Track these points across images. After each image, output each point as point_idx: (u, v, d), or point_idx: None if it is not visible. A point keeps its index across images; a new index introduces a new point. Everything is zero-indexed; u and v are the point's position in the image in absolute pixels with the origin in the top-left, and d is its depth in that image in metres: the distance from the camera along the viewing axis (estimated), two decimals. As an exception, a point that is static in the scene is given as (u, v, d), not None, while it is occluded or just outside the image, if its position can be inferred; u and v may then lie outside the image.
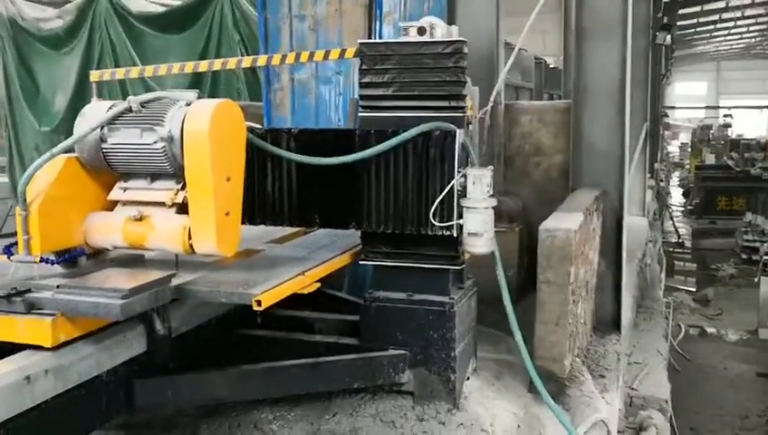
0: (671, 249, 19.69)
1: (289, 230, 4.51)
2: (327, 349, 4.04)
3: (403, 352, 3.91)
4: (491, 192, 3.64)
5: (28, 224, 3.36)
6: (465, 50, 3.76)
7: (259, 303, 3.20)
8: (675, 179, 33.82)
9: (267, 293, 3.26)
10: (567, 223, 4.53)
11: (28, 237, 3.36)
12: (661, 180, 19.36)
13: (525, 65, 11.99)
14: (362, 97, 3.91)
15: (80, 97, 8.40)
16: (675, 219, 23.56)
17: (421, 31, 3.77)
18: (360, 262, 4.02)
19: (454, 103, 3.75)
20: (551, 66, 15.68)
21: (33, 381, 2.88)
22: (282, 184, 3.91)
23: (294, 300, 3.75)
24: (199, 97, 3.56)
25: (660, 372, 6.73)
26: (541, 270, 4.46)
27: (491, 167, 3.68)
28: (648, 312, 8.68)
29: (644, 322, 8.24)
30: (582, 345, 5.34)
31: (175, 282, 3.39)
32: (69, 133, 8.35)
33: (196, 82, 7.70)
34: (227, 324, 4.24)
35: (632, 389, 6.28)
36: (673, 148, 42.03)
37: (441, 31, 3.81)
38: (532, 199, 6.29)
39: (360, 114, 3.93)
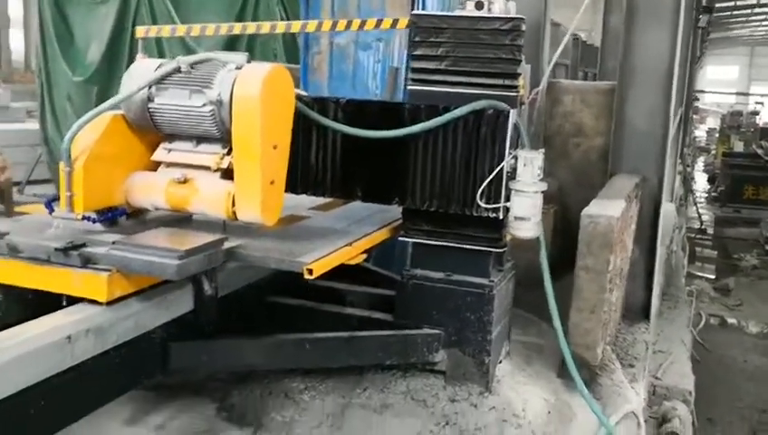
0: (692, 235, 19.48)
1: (320, 200, 4.45)
2: (360, 323, 4.00)
3: (438, 331, 3.86)
4: (541, 176, 3.55)
5: (71, 181, 3.32)
6: (523, 27, 3.65)
7: (310, 271, 3.19)
8: (700, 165, 33.38)
9: (318, 262, 3.24)
10: (610, 210, 4.44)
11: (71, 194, 3.32)
12: (687, 165, 19.09)
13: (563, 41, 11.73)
14: (413, 70, 3.81)
15: (114, 49, 8.34)
16: (698, 205, 23.28)
17: (479, 5, 3.66)
18: (400, 238, 3.96)
19: (508, 82, 3.64)
20: (586, 43, 15.38)
21: (74, 341, 2.87)
22: (326, 154, 3.84)
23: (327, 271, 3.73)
24: (248, 60, 3.48)
25: (684, 363, 6.66)
26: (580, 256, 4.38)
27: (542, 150, 3.58)
28: (672, 300, 8.59)
29: (668, 310, 8.15)
30: (612, 333, 5.28)
31: (226, 245, 3.36)
32: (102, 84, 8.36)
33: (232, 39, 7.59)
34: (259, 291, 4.22)
35: (656, 378, 6.22)
36: (699, 132, 41.42)
37: (499, 6, 3.70)
38: (570, 181, 6.18)
39: (408, 87, 3.84)
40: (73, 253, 3.08)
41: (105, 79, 8.45)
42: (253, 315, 4.05)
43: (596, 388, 4.47)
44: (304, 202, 4.40)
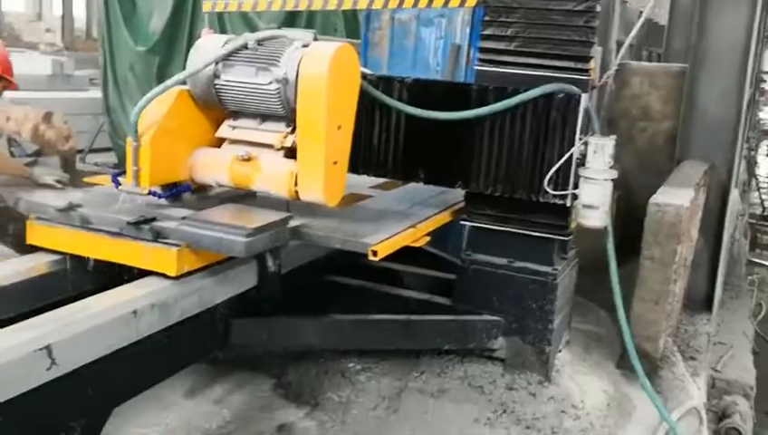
0: (754, 222, 18.88)
1: (373, 180, 4.41)
2: (418, 306, 3.97)
3: (498, 318, 3.81)
4: (611, 163, 3.44)
5: (138, 155, 3.33)
6: (598, 8, 3.51)
7: (375, 253, 3.15)
8: (764, 148, 32.25)
9: (382, 243, 3.21)
10: (678, 198, 4.29)
11: (137, 169, 3.34)
12: (751, 149, 18.44)
13: (628, 19, 11.38)
14: (481, 50, 3.71)
15: (176, 19, 8.37)
16: (761, 190, 22.51)
17: (551, -15, 3.53)
18: (462, 222, 3.89)
19: (580, 65, 3.53)
20: (651, 20, 14.88)
21: (140, 316, 2.89)
22: (389, 135, 3.79)
23: None
24: (315, 38, 3.44)
25: (746, 356, 6.45)
26: (646, 245, 4.25)
27: (613, 136, 3.46)
28: (734, 289, 8.32)
29: (730, 300, 7.89)
30: (674, 324, 5.14)
31: (291, 224, 3.37)
32: (163, 55, 8.40)
33: (292, 14, 7.53)
34: (317, 270, 4.22)
35: (716, 371, 6.05)
36: (763, 114, 39.94)
37: (572, -14, 3.56)
38: (634, 166, 5.99)
39: (476, 67, 3.74)
40: (144, 227, 3.11)
41: (167, 49, 8.51)
42: (310, 294, 4.05)
43: (657, 381, 4.36)
44: (365, 181, 4.37)
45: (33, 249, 3.33)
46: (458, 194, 4.12)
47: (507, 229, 3.77)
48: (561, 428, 3.65)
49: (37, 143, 6.64)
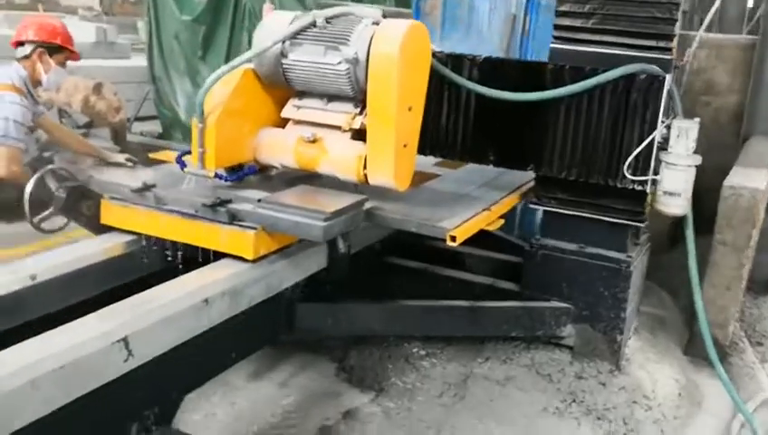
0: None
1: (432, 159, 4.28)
2: (483, 291, 3.88)
3: (567, 305, 3.70)
4: (695, 148, 3.28)
5: (204, 137, 3.25)
6: (683, -17, 3.32)
7: (453, 238, 3.05)
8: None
9: (460, 227, 3.11)
10: (753, 181, 4.12)
11: (203, 151, 3.26)
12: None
13: (683, -16, 10.96)
14: (557, 27, 3.55)
15: (223, -12, 8.24)
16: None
17: (634, -43, 3.35)
18: (531, 205, 3.77)
19: (662, 44, 3.35)
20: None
21: (211, 304, 2.84)
22: (458, 115, 3.66)
23: None
24: (384, 15, 3.30)
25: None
26: (718, 229, 4.10)
27: (697, 119, 3.29)
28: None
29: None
30: (739, 308, 4.99)
31: (365, 206, 3.28)
32: (209, 24, 8.27)
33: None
34: (378, 252, 4.14)
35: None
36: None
37: (654, -42, 3.37)
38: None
39: (551, 45, 3.57)
40: (221, 209, 3.05)
41: (212, 19, 8.36)
42: (371, 276, 3.97)
43: (726, 368, 4.22)
44: (425, 160, 4.25)
45: (108, 228, 3.30)
46: (521, 175, 4.00)
47: (580, 214, 3.64)
48: (632, 418, 3.55)
49: (87, 115, 6.63)
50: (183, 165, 3.41)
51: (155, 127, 9.26)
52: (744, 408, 3.65)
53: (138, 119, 9.72)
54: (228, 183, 3.38)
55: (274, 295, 3.24)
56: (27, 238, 3.63)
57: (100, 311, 2.57)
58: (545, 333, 3.73)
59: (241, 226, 3.04)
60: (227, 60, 8.66)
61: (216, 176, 3.32)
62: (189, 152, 3.56)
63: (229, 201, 3.11)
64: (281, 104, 3.56)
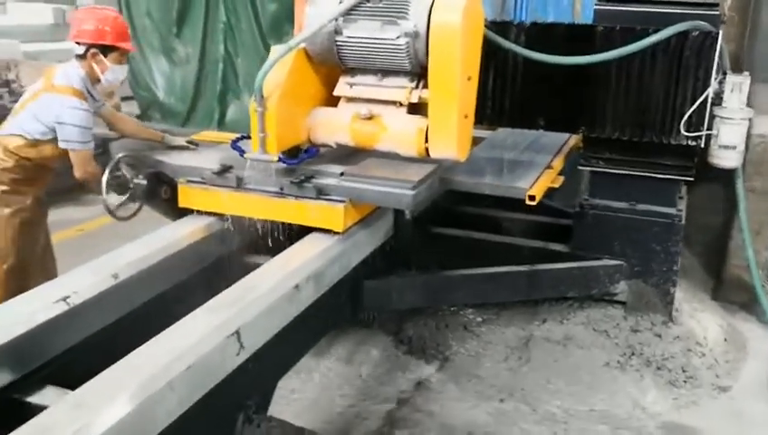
0: None
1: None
2: (533, 254, 3.93)
3: (620, 262, 3.79)
4: (747, 101, 3.36)
5: (264, 121, 3.19)
6: (726, -62, 3.37)
7: (532, 197, 3.11)
8: None
9: (536, 186, 3.16)
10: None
11: (264, 135, 3.20)
12: None
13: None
14: (603, -12, 3.57)
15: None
16: None
17: None
18: (580, 167, 3.82)
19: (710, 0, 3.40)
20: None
21: (301, 289, 2.82)
22: (504, 82, 3.68)
23: (479, 200, 3.71)
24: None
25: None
26: (747, 177, 4.22)
27: (747, 73, 3.37)
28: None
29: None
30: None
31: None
32: (184, 3, 7.99)
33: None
34: (422, 222, 4.15)
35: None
36: None
37: None
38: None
39: (596, 7, 3.60)
40: (308, 185, 3.09)
41: (188, -1, 8.14)
42: (418, 247, 3.99)
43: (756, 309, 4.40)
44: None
45: (183, 212, 3.28)
46: (557, 137, 4.05)
47: (628, 172, 3.70)
48: (690, 366, 3.69)
49: (78, 100, 6.45)
50: (241, 151, 3.34)
51: (132, 108, 9.00)
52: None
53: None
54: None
55: (345, 276, 3.26)
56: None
57: (206, 305, 2.54)
58: (599, 290, 3.82)
59: (328, 199, 3.07)
60: (205, 36, 8.48)
61: (280, 160, 3.27)
62: (243, 137, 3.52)
63: (312, 177, 3.12)
64: (327, 82, 3.51)
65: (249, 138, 3.30)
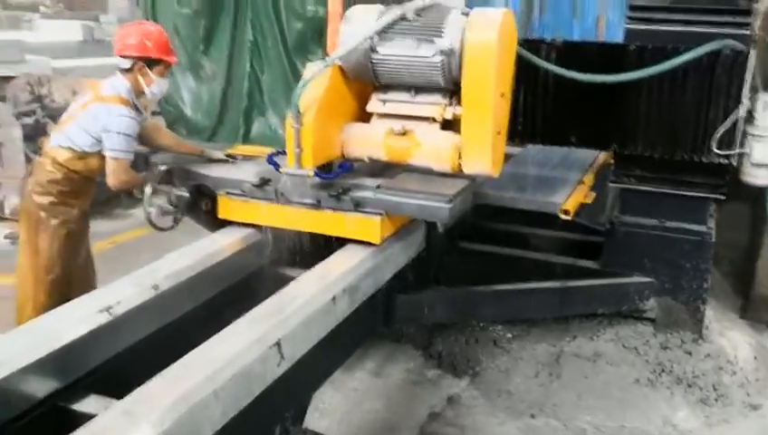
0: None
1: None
2: (563, 271, 3.94)
3: (650, 279, 3.80)
4: (779, 119, 3.38)
5: (300, 136, 3.24)
6: (758, -42, 3.41)
7: (567, 212, 3.15)
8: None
9: (570, 201, 3.19)
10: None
11: (300, 150, 3.26)
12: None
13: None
14: (632, 8, 3.61)
15: (221, -21, 8.10)
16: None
17: (709, -66, 3.42)
18: (610, 184, 3.84)
19: (740, 19, 3.43)
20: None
21: (338, 301, 2.86)
22: (535, 99, 3.71)
23: (506, 215, 3.74)
24: (466, 4, 3.33)
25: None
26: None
27: (779, 91, 3.39)
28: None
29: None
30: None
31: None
32: (210, 17, 8.15)
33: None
34: (450, 238, 4.18)
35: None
36: None
37: (728, -65, 3.45)
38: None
39: (627, 26, 3.64)
40: (345, 197, 3.13)
41: (213, 12, 8.22)
42: (449, 263, 4.02)
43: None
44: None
45: (221, 224, 3.36)
46: (587, 154, 4.09)
47: (658, 190, 3.72)
48: (721, 384, 3.68)
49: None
50: (276, 166, 3.40)
51: (159, 123, 9.12)
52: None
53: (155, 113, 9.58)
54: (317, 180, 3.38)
55: (378, 290, 3.29)
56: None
57: (247, 316, 2.58)
58: (629, 307, 3.83)
59: (365, 212, 3.12)
60: (231, 53, 8.57)
61: (316, 175, 3.32)
62: (280, 153, 3.57)
63: (349, 189, 3.18)
64: (359, 98, 3.57)
65: (285, 153, 3.36)
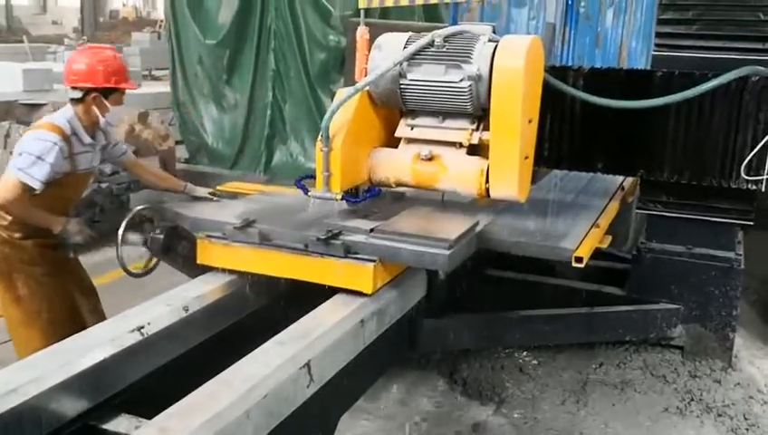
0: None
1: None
2: (590, 297, 3.92)
3: (677, 306, 3.77)
4: (808, 145, 3.37)
5: (329, 160, 3.27)
6: (785, -14, 3.42)
7: (579, 259, 3.03)
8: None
9: (582, 247, 3.09)
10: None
11: (329, 174, 3.28)
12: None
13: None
14: (659, 35, 3.64)
15: (245, 10, 8.21)
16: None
17: (734, -37, 3.45)
18: (637, 210, 3.84)
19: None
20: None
21: (365, 324, 2.85)
22: (562, 125, 3.73)
23: None
24: (494, 31, 3.37)
25: None
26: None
27: (807, 117, 3.38)
28: None
29: None
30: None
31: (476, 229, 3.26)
32: (233, 48, 8.28)
33: None
34: (474, 265, 4.16)
35: None
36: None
37: (754, -37, 3.47)
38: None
39: (653, 53, 3.66)
40: (335, 242, 2.88)
41: (237, 42, 8.36)
42: (472, 289, 4.00)
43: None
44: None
45: (201, 270, 3.10)
46: (611, 180, 4.09)
47: (687, 216, 3.70)
48: (751, 414, 3.61)
49: (133, 144, 6.62)
50: (305, 190, 3.42)
51: (181, 153, 9.22)
52: None
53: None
54: (335, 207, 3.33)
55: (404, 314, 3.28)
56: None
57: (276, 337, 2.58)
58: (657, 334, 3.80)
59: (357, 258, 2.86)
60: (254, 83, 8.72)
61: (344, 199, 3.33)
62: (308, 177, 3.59)
63: (340, 232, 2.97)
64: (386, 123, 3.60)
65: (314, 177, 3.37)
